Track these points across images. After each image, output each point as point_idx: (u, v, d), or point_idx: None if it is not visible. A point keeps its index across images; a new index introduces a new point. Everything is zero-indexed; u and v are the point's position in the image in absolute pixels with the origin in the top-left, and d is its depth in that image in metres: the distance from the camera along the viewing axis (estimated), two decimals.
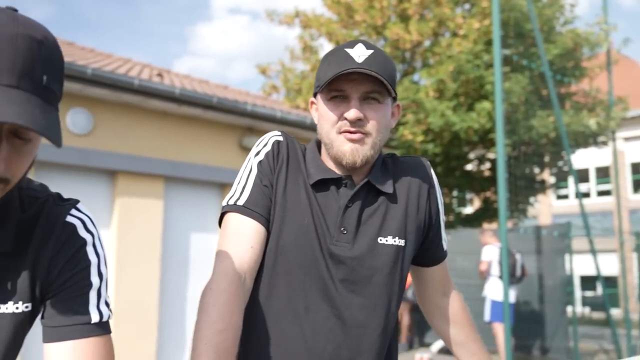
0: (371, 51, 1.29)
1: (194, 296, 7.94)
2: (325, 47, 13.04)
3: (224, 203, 1.33)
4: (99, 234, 1.07)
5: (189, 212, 8.10)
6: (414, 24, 10.80)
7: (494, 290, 7.69)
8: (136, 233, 7.36)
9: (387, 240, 1.33)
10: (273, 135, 1.39)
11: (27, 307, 0.98)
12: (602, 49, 10.79)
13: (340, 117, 1.30)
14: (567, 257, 8.55)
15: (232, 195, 1.33)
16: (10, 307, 0.97)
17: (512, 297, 7.68)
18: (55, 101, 0.90)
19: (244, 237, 1.25)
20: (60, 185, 6.92)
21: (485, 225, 12.35)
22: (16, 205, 1.00)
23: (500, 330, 7.50)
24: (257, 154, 1.36)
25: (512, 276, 7.64)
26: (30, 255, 0.99)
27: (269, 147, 1.36)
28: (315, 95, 1.39)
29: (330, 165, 1.37)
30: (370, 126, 1.30)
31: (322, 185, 1.34)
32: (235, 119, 8.32)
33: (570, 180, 19.61)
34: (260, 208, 1.29)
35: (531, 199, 11.89)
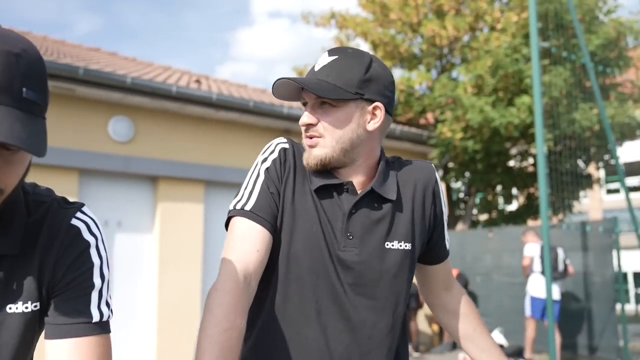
0: (333, 57, 1.35)
1: None
2: (361, 46, 13.00)
3: (231, 207, 1.36)
4: (102, 236, 1.12)
5: None
6: (450, 20, 10.67)
7: (535, 286, 7.72)
8: (178, 237, 7.50)
9: (393, 245, 1.37)
10: (279, 142, 1.42)
11: (35, 306, 1.03)
12: None
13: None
14: (614, 253, 8.29)
15: (239, 200, 1.35)
16: (19, 307, 1.01)
17: (556, 293, 7.59)
18: (40, 111, 0.93)
19: (250, 241, 1.28)
20: (104, 192, 7.11)
21: (530, 222, 12.09)
22: (22, 210, 1.05)
23: (530, 325, 7.73)
24: (264, 160, 1.39)
25: (554, 271, 7.58)
26: (37, 257, 1.04)
27: (275, 154, 1.39)
28: None
29: (333, 170, 1.39)
30: (323, 129, 1.34)
31: (325, 191, 1.37)
32: (273, 122, 8.38)
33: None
34: (267, 214, 1.32)
35: (578, 194, 11.57)
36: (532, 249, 7.87)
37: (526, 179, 11.69)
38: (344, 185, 1.37)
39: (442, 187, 1.51)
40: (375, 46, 11.51)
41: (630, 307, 21.85)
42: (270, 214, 1.33)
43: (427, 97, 11.06)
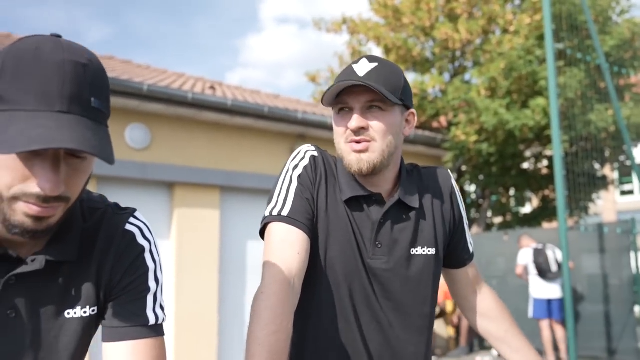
0: (375, 64, 1.37)
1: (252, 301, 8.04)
2: (374, 51, 12.99)
3: (266, 214, 1.37)
4: (155, 241, 1.15)
5: (245, 220, 8.22)
6: (462, 23, 10.64)
7: (535, 288, 7.97)
8: (194, 243, 7.52)
9: (418, 251, 1.42)
10: (308, 150, 1.45)
11: (93, 310, 1.06)
12: None
13: (346, 129, 1.37)
14: (632, 255, 8.22)
15: (275, 207, 1.36)
16: (78, 312, 1.04)
17: (557, 292, 7.82)
18: (104, 119, 0.96)
19: (290, 244, 1.30)
20: (121, 199, 7.14)
21: (545, 225, 12.01)
22: (78, 217, 1.07)
23: (544, 328, 7.90)
24: (296, 167, 1.41)
25: (549, 272, 7.80)
26: (94, 263, 1.06)
27: (307, 161, 1.42)
28: None
29: (360, 179, 1.42)
30: (374, 133, 1.35)
31: (354, 201, 1.40)
32: (287, 127, 8.40)
33: (634, 175, 18.83)
34: (304, 219, 1.34)
35: (593, 196, 11.47)
36: (525, 256, 8.08)
37: (541, 181, 11.61)
38: (373, 197, 1.41)
39: (458, 191, 1.57)
40: (388, 51, 11.49)
41: None
42: (307, 218, 1.35)
43: (441, 100, 11.03)
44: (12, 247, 0.98)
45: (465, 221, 1.57)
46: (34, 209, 0.90)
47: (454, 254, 1.55)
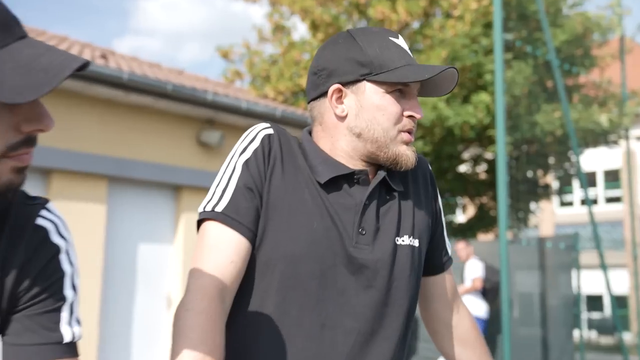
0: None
1: (142, 317, 7.85)
2: (298, 27, 13.03)
3: (201, 209, 1.33)
4: (72, 240, 1.09)
5: (137, 218, 8.01)
6: (402, 3, 10.88)
7: (473, 305, 8.16)
8: (74, 242, 7.25)
9: (403, 241, 1.39)
10: (262, 129, 1.40)
11: None
12: (615, 35, 11.00)
13: (402, 114, 1.37)
14: (574, 273, 8.67)
15: (210, 200, 1.32)
16: None
17: (485, 311, 8.19)
18: None
19: (223, 250, 1.26)
20: None
21: (481, 236, 12.48)
22: None
23: None
24: (243, 151, 1.36)
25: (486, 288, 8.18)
26: None
27: (257, 143, 1.36)
28: (348, 84, 1.39)
29: (340, 158, 1.40)
30: (415, 126, 1.42)
31: (332, 183, 1.37)
32: (193, 109, 8.26)
33: (576, 185, 19.96)
34: (243, 216, 1.29)
35: (532, 206, 12.05)
36: (479, 268, 8.25)
37: (478, 187, 12.08)
38: (356, 174, 1.38)
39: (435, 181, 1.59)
40: (314, 27, 11.58)
41: (585, 334, 22.95)
42: (247, 215, 1.30)
43: None
44: None
45: (443, 217, 1.57)
46: None
47: (433, 254, 1.53)
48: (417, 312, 1.64)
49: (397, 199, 1.42)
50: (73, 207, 7.30)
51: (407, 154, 1.37)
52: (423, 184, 1.50)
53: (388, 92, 1.36)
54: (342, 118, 1.39)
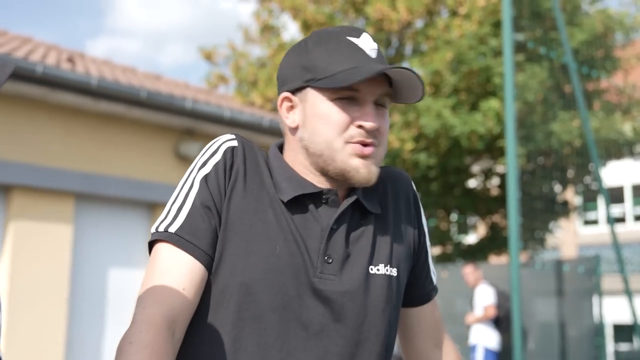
0: (376, 44, 1.38)
1: (112, 352, 7.82)
2: (289, 26, 13.09)
3: (153, 229, 1.32)
4: None
5: (107, 239, 8.00)
6: (402, 0, 10.92)
7: (486, 336, 8.21)
8: (36, 267, 7.24)
9: (378, 270, 1.36)
10: (225, 141, 1.38)
11: None
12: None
13: (351, 123, 1.32)
14: (595, 299, 8.64)
15: (164, 220, 1.32)
16: None
17: (497, 342, 8.18)
18: None
19: (174, 276, 1.25)
20: None
21: (494, 259, 12.45)
22: None
23: None
24: (203, 165, 1.35)
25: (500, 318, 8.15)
26: None
27: (218, 157, 1.35)
28: (296, 91, 1.38)
29: (307, 175, 1.38)
30: (381, 137, 1.36)
31: (297, 202, 1.35)
32: (171, 118, 8.28)
33: (601, 202, 19.97)
34: (199, 238, 1.29)
35: (551, 225, 12.03)
36: (491, 294, 8.23)
37: (490, 204, 12.06)
38: (324, 194, 1.36)
39: (420, 201, 1.55)
40: (307, 27, 11.62)
41: None
42: (204, 237, 1.29)
43: None
44: None
45: (428, 242, 1.54)
46: None
47: (416, 284, 1.50)
48: (398, 349, 1.63)
49: (372, 222, 1.39)
50: (36, 227, 7.29)
51: (356, 168, 1.31)
52: (405, 205, 1.48)
53: (332, 99, 1.33)
54: (294, 130, 1.38)
